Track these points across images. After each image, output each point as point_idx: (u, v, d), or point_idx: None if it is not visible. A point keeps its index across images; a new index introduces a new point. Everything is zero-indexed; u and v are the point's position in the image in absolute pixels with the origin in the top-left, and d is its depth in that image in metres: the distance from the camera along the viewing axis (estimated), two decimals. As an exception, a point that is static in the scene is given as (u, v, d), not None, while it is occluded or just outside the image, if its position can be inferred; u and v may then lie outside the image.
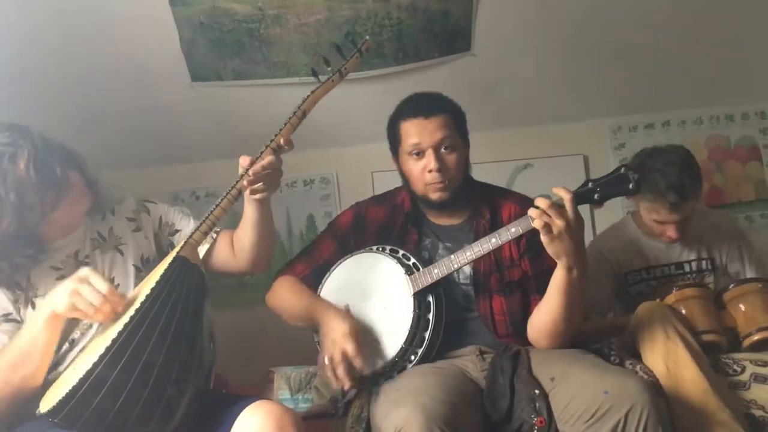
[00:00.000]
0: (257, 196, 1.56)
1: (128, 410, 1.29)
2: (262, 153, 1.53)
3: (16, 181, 1.44)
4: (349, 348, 1.62)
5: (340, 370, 1.62)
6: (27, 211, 1.46)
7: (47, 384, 1.45)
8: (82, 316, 1.38)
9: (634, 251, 2.21)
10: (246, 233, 1.65)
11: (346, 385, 1.63)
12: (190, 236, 1.48)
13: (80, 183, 1.57)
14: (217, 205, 1.51)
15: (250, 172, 1.51)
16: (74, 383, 1.27)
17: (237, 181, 1.53)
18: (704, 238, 2.21)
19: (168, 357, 1.33)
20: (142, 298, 1.36)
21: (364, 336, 1.70)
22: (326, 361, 1.64)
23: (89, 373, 1.27)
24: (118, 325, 1.33)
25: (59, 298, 1.37)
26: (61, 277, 1.53)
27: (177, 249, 1.46)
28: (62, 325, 1.43)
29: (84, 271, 1.39)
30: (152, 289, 1.36)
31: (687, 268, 2.19)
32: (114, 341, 1.29)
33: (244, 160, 1.54)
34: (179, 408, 1.35)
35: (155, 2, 2.30)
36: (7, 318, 1.52)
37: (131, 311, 1.34)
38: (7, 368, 1.39)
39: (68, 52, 2.37)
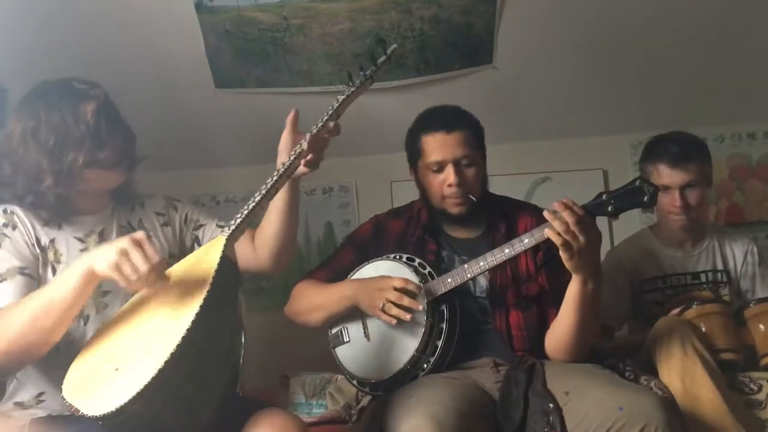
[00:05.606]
0: (308, 169, 1.55)
1: (176, 418, 1.28)
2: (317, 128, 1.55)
3: (81, 120, 1.51)
4: (396, 282, 1.69)
5: (406, 301, 1.67)
6: (77, 150, 1.49)
7: (57, 354, 1.41)
8: (122, 279, 1.27)
9: (650, 260, 2.21)
10: (272, 222, 1.64)
11: (419, 306, 1.68)
12: (232, 231, 1.44)
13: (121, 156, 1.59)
14: (263, 195, 1.49)
15: (309, 138, 1.52)
16: (131, 394, 1.20)
17: (294, 158, 1.53)
18: (720, 251, 2.22)
19: (217, 366, 1.34)
20: (200, 301, 1.28)
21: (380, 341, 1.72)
22: (384, 308, 1.69)
23: (150, 384, 1.20)
24: (176, 332, 1.25)
25: (104, 254, 1.28)
26: (86, 250, 1.53)
27: (221, 245, 1.41)
28: (95, 287, 1.35)
29: (140, 234, 1.31)
30: (208, 292, 1.30)
31: (703, 278, 2.19)
32: (178, 347, 1.22)
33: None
34: (212, 410, 1.34)
35: (182, 9, 2.34)
36: (21, 271, 1.46)
37: (191, 315, 1.27)
38: (27, 318, 1.31)
39: (94, 57, 2.40)
